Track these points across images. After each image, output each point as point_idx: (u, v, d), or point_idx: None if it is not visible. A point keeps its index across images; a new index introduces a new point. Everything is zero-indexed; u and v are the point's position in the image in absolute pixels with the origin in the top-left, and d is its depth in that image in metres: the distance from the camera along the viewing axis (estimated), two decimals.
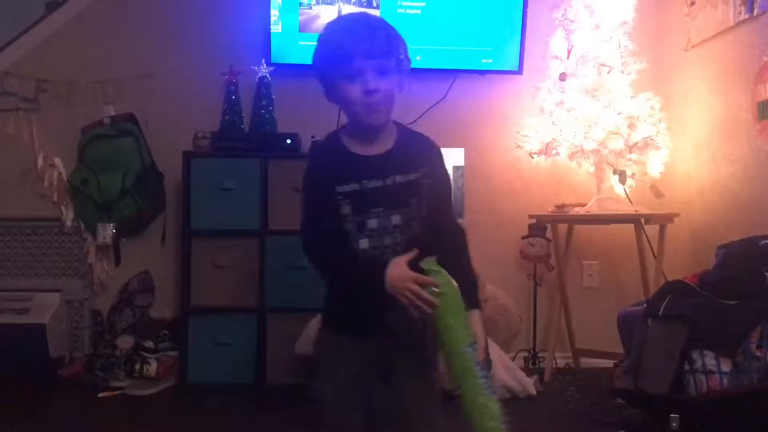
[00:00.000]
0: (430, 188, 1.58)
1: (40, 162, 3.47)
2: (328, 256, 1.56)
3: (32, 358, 3.17)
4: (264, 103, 3.44)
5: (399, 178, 1.55)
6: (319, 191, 1.55)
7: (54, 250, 3.48)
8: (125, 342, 3.29)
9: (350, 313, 1.57)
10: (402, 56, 1.56)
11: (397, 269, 1.44)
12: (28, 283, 3.40)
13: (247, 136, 3.41)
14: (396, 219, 1.55)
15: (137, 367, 3.17)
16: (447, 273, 1.46)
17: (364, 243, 1.54)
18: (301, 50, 3.41)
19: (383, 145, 1.59)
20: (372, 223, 1.54)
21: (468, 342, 1.46)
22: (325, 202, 1.53)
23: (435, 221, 1.60)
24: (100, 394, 3.02)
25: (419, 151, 1.62)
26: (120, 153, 3.42)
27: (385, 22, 1.58)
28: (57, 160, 3.48)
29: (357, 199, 1.53)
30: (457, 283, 1.48)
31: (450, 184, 1.71)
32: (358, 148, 1.57)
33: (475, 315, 1.58)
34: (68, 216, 3.46)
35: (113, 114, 3.46)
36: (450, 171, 3.49)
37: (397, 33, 1.56)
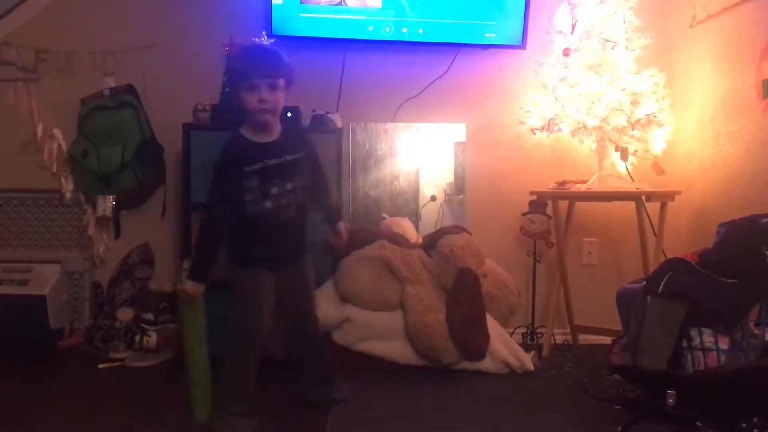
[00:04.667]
0: (308, 163, 2.37)
1: (39, 133, 3.45)
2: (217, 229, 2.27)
3: (33, 329, 3.19)
4: None
5: (289, 157, 2.30)
6: (230, 172, 2.24)
7: (54, 222, 3.48)
8: (125, 314, 3.30)
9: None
10: (288, 78, 2.28)
11: (190, 285, 2.29)
12: (28, 254, 3.41)
13: None
14: (289, 185, 2.29)
15: (137, 338, 3.18)
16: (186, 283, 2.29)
17: (268, 204, 2.26)
18: (302, 22, 3.37)
19: (273, 135, 2.32)
20: (274, 189, 2.26)
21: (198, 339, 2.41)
22: (234, 181, 2.23)
23: (313, 182, 2.41)
24: (100, 365, 3.04)
25: (298, 138, 2.40)
26: (120, 125, 3.40)
27: (279, 51, 2.31)
28: (56, 132, 3.46)
29: (262, 173, 2.24)
30: (327, 210, 2.52)
31: (318, 156, 2.46)
32: (256, 138, 2.29)
33: (340, 224, 2.56)
34: (68, 188, 3.45)
35: (113, 85, 3.44)
36: (451, 147, 3.52)
37: (286, 61, 2.29)
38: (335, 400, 2.54)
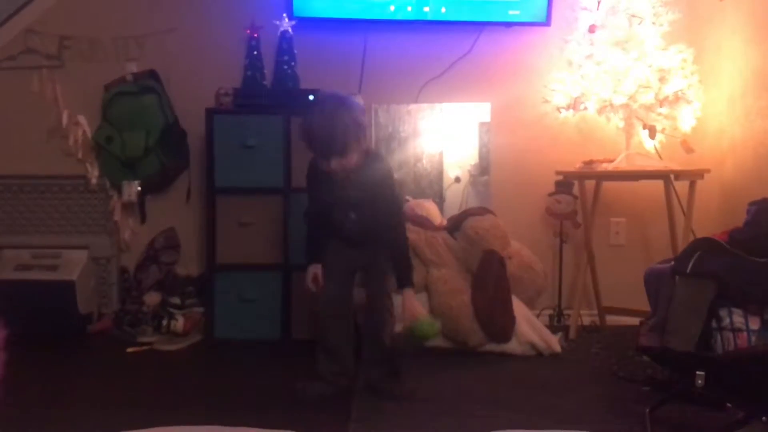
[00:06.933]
0: (373, 202, 2.44)
1: (64, 120, 3.48)
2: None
3: (62, 314, 3.23)
4: (286, 58, 3.40)
5: (352, 194, 2.42)
6: (311, 187, 2.55)
7: (81, 208, 3.52)
8: (152, 298, 3.34)
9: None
10: (358, 136, 2.34)
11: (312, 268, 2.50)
12: (56, 240, 3.45)
13: (269, 92, 3.38)
14: (353, 215, 2.47)
15: (164, 322, 3.21)
16: None
17: (336, 219, 2.48)
18: (323, 3, 3.35)
19: (345, 170, 2.37)
20: (337, 214, 2.47)
21: None
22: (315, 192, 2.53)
23: (379, 220, 2.48)
24: (129, 350, 3.07)
25: (368, 178, 2.42)
26: (143, 110, 3.41)
27: (339, 119, 2.30)
28: (81, 118, 3.48)
29: (330, 197, 2.45)
30: (394, 265, 2.47)
31: (392, 198, 2.53)
32: (328, 169, 2.36)
33: (407, 292, 2.46)
34: (93, 174, 3.48)
35: (135, 71, 3.45)
36: (475, 127, 3.48)
37: (349, 119, 2.31)
38: (390, 392, 2.46)
